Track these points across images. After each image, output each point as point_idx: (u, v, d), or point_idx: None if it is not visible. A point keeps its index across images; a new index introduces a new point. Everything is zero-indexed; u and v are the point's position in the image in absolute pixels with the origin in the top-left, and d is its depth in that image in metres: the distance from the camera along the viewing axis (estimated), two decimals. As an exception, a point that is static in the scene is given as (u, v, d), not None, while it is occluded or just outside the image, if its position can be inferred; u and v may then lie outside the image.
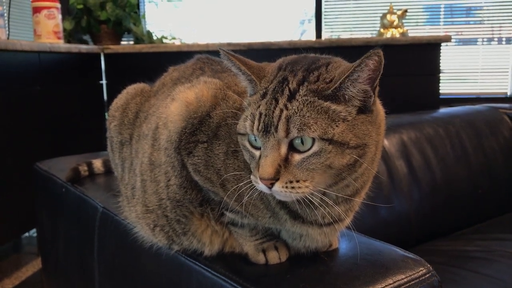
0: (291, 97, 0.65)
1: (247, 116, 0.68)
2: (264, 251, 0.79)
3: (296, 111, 0.63)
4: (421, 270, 0.75)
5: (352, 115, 0.65)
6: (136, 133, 0.97)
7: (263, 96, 0.68)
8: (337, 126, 0.64)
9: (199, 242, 0.82)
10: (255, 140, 0.67)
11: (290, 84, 0.66)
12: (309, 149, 0.63)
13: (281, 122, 0.63)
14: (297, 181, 0.64)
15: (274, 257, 0.78)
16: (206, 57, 0.99)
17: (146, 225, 0.88)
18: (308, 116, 0.63)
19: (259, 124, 0.65)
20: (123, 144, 1.01)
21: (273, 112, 0.64)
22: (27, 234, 2.89)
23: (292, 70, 0.69)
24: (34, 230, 2.73)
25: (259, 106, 0.67)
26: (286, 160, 0.64)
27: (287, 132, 0.63)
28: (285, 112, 0.64)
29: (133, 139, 0.98)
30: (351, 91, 0.65)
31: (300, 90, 0.65)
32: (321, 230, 0.75)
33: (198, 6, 4.37)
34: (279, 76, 0.69)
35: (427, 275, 0.75)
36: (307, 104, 0.64)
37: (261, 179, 0.64)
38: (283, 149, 0.64)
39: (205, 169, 0.76)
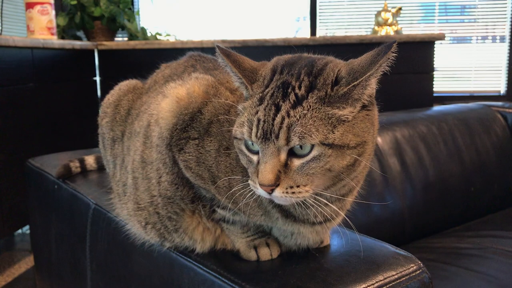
0: (297, 103, 0.63)
1: (243, 122, 0.66)
2: (255, 248, 0.79)
3: (299, 118, 0.61)
4: (412, 267, 0.76)
5: (353, 114, 0.64)
6: (128, 130, 0.97)
7: (260, 101, 0.65)
8: (338, 130, 0.62)
9: (191, 239, 0.82)
10: (252, 144, 0.66)
11: (297, 90, 0.64)
12: (308, 154, 0.62)
13: (282, 130, 0.62)
14: (297, 186, 0.63)
15: (265, 253, 0.79)
16: (198, 54, 0.98)
17: (138, 222, 0.87)
18: (310, 124, 0.61)
19: (257, 131, 0.64)
20: (114, 140, 1.00)
21: (274, 119, 0.63)
22: (20, 231, 2.88)
23: (292, 74, 0.66)
24: (27, 227, 2.72)
25: (257, 112, 0.64)
26: (286, 166, 0.63)
27: (288, 140, 0.62)
28: (286, 120, 0.62)
29: (125, 136, 0.97)
30: (370, 87, 0.64)
31: (309, 98, 0.63)
32: (312, 229, 0.75)
33: (193, 2, 4.36)
34: (276, 80, 0.67)
35: (418, 272, 0.76)
36: (311, 111, 0.62)
37: (261, 185, 0.63)
38: (283, 156, 0.63)
39: (196, 165, 0.76)
